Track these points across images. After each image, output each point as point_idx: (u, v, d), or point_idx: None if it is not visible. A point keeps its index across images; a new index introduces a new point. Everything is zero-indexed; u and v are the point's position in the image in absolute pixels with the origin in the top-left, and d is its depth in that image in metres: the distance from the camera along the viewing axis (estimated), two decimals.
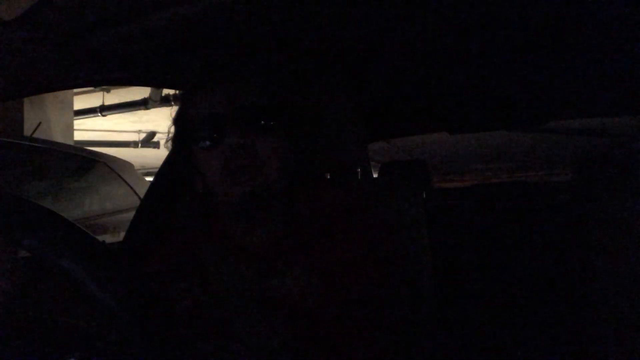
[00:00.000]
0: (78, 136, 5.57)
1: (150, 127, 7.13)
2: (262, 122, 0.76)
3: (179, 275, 0.82)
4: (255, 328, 0.74)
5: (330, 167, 1.05)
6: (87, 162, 2.80)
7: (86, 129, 6.55)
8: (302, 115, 0.86)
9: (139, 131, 7.34)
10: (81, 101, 5.35)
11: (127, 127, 6.93)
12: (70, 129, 4.38)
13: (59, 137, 3.99)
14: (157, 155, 7.48)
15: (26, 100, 3.77)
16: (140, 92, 5.24)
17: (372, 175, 1.85)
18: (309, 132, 0.88)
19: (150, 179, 2.36)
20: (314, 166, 0.89)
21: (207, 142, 0.76)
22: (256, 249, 0.80)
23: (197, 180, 0.81)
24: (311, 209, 0.81)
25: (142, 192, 2.62)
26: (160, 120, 6.41)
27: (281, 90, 0.83)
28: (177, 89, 1.30)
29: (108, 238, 2.41)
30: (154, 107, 5.32)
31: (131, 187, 2.90)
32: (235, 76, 0.80)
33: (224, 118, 0.75)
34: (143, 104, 5.34)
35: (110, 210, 2.75)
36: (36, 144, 2.46)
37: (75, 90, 4.56)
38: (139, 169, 3.75)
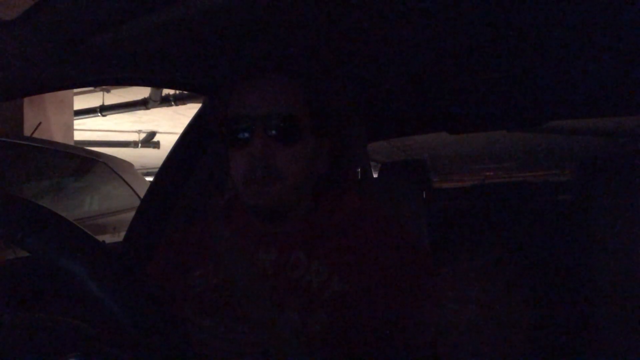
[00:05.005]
0: (78, 136, 5.57)
1: (150, 127, 7.13)
2: (290, 132, 0.78)
3: (194, 263, 0.86)
4: (266, 312, 0.75)
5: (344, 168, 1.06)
6: (87, 162, 2.80)
7: (86, 129, 6.55)
8: (333, 121, 0.87)
9: (139, 131, 7.35)
10: (81, 101, 5.36)
11: (127, 127, 6.94)
12: (70, 129, 4.38)
13: (59, 137, 3.99)
14: (157, 155, 7.49)
15: (26, 100, 3.77)
16: (140, 92, 5.25)
17: (372, 175, 1.85)
18: (337, 137, 0.89)
19: (150, 179, 2.36)
20: (339, 169, 0.91)
21: (237, 143, 0.79)
22: (276, 238, 0.82)
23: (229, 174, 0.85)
24: (333, 210, 0.85)
25: (142, 192, 2.62)
26: (160, 120, 6.41)
27: (317, 97, 0.83)
28: (177, 89, 1.31)
29: (108, 238, 2.41)
30: (154, 107, 5.33)
31: (131, 187, 2.90)
32: (274, 81, 0.80)
33: (254, 122, 0.76)
34: (143, 104, 5.35)
35: (111, 210, 2.75)
36: (36, 144, 2.46)
37: (75, 90, 4.57)
38: (139, 169, 3.76)
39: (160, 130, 7.22)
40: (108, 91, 5.33)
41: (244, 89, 0.80)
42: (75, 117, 4.75)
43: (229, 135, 0.79)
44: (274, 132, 0.77)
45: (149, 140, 7.62)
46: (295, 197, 0.81)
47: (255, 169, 0.76)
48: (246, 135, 0.77)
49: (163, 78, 1.22)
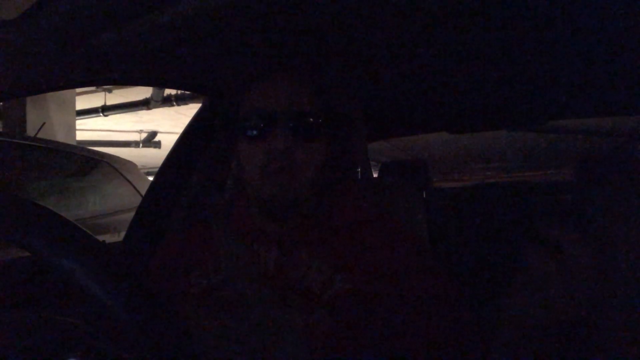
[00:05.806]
0: (79, 136, 5.58)
1: (151, 127, 7.14)
2: (309, 129, 0.79)
3: (194, 263, 0.86)
4: (267, 312, 0.75)
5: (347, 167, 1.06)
6: (90, 161, 2.80)
7: (88, 129, 6.56)
8: (340, 120, 0.88)
9: (141, 131, 7.36)
10: (83, 101, 5.37)
11: (128, 127, 6.94)
12: (72, 129, 4.39)
13: (61, 137, 4.00)
14: (158, 155, 7.49)
15: (28, 100, 3.79)
16: (142, 92, 5.25)
17: (372, 175, 1.86)
18: (344, 137, 0.90)
19: (151, 178, 2.36)
20: (339, 168, 0.92)
21: (253, 137, 0.79)
22: (278, 237, 0.82)
23: (234, 168, 0.86)
24: (335, 209, 0.85)
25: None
26: (161, 120, 6.42)
27: (330, 96, 0.85)
28: (179, 89, 1.31)
29: (109, 238, 2.41)
30: (155, 107, 5.33)
31: (134, 187, 2.90)
32: (292, 79, 0.82)
33: (275, 117, 0.77)
34: (145, 104, 5.35)
35: (113, 210, 2.75)
36: (39, 144, 2.47)
37: (77, 90, 4.58)
38: (140, 169, 3.77)
39: (161, 130, 7.23)
40: (110, 91, 5.34)
41: (262, 85, 0.81)
42: (77, 117, 4.76)
43: (244, 130, 0.80)
44: (295, 127, 0.78)
45: (150, 140, 7.62)
46: (307, 193, 0.81)
47: (274, 162, 0.77)
48: (266, 129, 0.78)
49: (164, 78, 1.22)
